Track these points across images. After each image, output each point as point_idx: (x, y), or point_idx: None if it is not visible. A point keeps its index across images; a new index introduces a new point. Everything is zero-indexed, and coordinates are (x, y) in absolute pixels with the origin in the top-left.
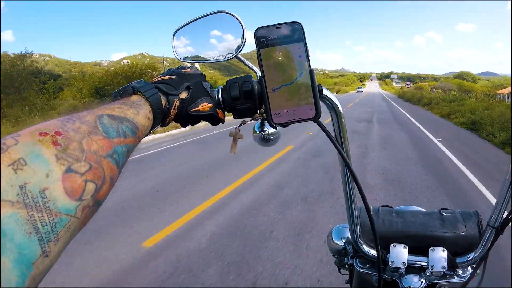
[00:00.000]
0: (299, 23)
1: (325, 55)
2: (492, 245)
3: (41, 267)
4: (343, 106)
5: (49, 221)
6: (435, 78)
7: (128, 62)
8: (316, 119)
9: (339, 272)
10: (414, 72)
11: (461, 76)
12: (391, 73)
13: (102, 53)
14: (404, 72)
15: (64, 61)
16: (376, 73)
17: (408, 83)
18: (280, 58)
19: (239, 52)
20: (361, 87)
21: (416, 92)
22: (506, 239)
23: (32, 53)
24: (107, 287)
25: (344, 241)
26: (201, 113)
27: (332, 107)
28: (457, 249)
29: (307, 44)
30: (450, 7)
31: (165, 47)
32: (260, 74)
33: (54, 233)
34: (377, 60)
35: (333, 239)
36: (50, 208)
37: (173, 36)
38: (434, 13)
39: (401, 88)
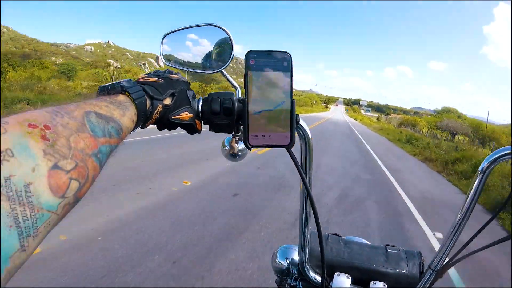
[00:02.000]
0: (289, 54)
1: (296, 74)
2: (430, 286)
3: (17, 262)
4: None
5: (30, 216)
6: (404, 111)
7: (91, 49)
8: (289, 147)
9: None
10: (382, 103)
11: (444, 111)
12: (359, 100)
13: (74, 37)
14: (372, 101)
15: (21, 36)
16: (344, 99)
17: None
18: (266, 84)
19: (225, 67)
20: None
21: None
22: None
23: None
24: (107, 287)
25: (288, 261)
26: (180, 121)
27: (304, 137)
28: (397, 286)
29: (293, 75)
30: (425, 44)
31: (132, 39)
32: (242, 95)
33: (34, 228)
34: (347, 86)
35: (278, 259)
36: (33, 203)
37: (162, 40)
38: (408, 47)
39: (378, 119)
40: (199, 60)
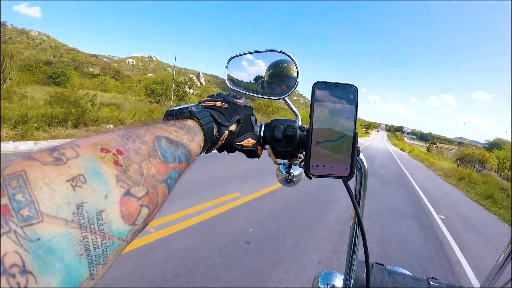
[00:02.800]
0: (355, 87)
1: None
2: None
3: None
4: None
5: (101, 244)
6: (448, 141)
7: (133, 62)
8: (348, 178)
9: None
10: (424, 131)
11: (497, 143)
12: (401, 126)
13: (122, 51)
14: (415, 129)
15: (61, 45)
16: (386, 125)
17: None
18: (330, 115)
19: (288, 95)
20: None
21: None
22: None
23: (31, 30)
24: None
25: (329, 287)
26: (243, 148)
27: (361, 169)
28: None
29: (358, 108)
30: (471, 74)
31: (173, 53)
32: (302, 122)
33: (104, 256)
34: (389, 112)
35: (319, 284)
36: (105, 231)
37: (228, 63)
38: (454, 76)
39: (428, 150)
40: (260, 84)
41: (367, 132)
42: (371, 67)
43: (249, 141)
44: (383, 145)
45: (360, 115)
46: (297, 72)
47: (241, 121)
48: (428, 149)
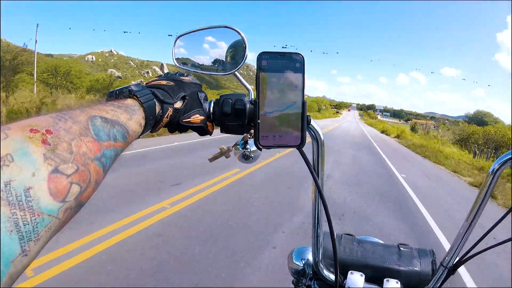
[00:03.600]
0: (301, 55)
1: (309, 81)
2: (443, 283)
3: (19, 266)
4: None
5: (31, 220)
6: (421, 116)
7: (93, 59)
8: (300, 147)
9: None
10: (396, 108)
11: (478, 117)
12: (373, 105)
13: (81, 49)
14: (386, 107)
15: (14, 47)
16: (357, 104)
17: None
18: (277, 85)
19: (238, 69)
20: None
21: None
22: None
23: None
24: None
25: (304, 262)
26: (191, 124)
27: (316, 138)
28: (410, 283)
29: (305, 76)
30: (438, 50)
31: (134, 47)
32: (254, 96)
33: (35, 232)
34: (360, 92)
35: (294, 260)
36: (33, 207)
37: (175, 42)
38: (421, 54)
39: (414, 129)
40: (213, 62)
41: (338, 112)
42: (340, 48)
43: (196, 117)
44: (355, 125)
45: (331, 96)
46: (245, 46)
47: (187, 97)
48: (412, 128)
